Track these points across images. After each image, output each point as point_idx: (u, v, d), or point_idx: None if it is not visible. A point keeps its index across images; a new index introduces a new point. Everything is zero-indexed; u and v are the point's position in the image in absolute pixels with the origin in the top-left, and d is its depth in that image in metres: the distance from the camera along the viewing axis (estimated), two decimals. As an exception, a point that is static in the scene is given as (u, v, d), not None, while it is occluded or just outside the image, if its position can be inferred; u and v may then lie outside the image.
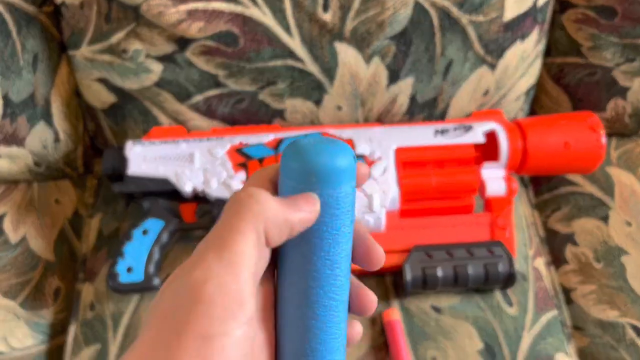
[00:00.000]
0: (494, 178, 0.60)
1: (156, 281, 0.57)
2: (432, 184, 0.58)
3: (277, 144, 0.59)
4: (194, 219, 0.61)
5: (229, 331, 0.23)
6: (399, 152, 0.59)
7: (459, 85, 0.64)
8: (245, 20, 0.57)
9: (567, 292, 0.63)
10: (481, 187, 0.60)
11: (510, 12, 0.59)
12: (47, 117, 0.64)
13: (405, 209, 0.59)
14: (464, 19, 0.59)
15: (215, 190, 0.58)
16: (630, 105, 0.67)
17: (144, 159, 0.59)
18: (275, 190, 0.28)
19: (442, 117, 0.66)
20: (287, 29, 0.58)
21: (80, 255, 0.64)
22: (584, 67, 0.67)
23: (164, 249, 0.59)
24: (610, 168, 0.67)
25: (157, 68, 0.60)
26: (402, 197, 0.58)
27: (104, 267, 0.61)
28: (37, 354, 0.58)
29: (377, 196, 0.57)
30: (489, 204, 0.60)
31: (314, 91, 0.62)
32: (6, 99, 0.60)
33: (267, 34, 0.58)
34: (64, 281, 0.62)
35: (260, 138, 0.60)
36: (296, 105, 0.63)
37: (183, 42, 0.58)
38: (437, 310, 0.59)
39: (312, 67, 0.60)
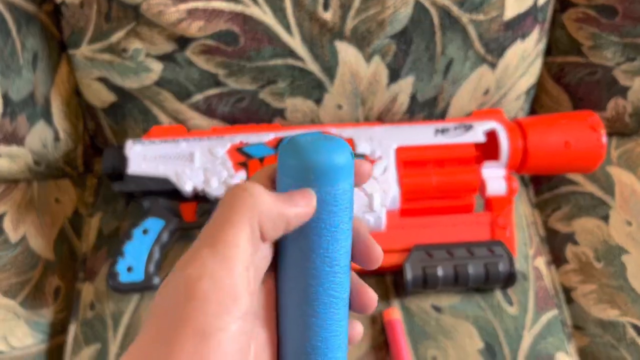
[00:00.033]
0: (495, 177, 0.60)
1: (156, 280, 0.57)
2: (433, 183, 0.58)
3: (278, 143, 0.59)
4: (194, 218, 0.61)
5: (224, 326, 0.23)
6: (400, 151, 0.59)
7: (459, 85, 0.64)
8: (245, 19, 0.57)
9: (567, 291, 0.62)
10: (481, 186, 0.60)
11: (511, 11, 0.59)
12: (47, 116, 0.64)
13: (406, 208, 0.59)
14: (465, 17, 0.59)
15: (215, 189, 0.58)
16: (631, 105, 0.67)
17: (144, 158, 0.59)
18: (274, 188, 0.28)
19: (442, 116, 0.66)
20: (287, 27, 0.58)
21: (80, 254, 0.64)
22: (585, 67, 0.66)
23: (164, 248, 0.59)
24: (610, 167, 0.67)
25: (157, 67, 0.60)
26: (403, 197, 0.58)
27: (104, 266, 0.61)
28: (37, 353, 0.58)
29: (378, 195, 0.57)
30: (490, 204, 0.60)
31: (315, 90, 0.62)
32: (6, 97, 0.60)
33: (267, 32, 0.58)
34: (64, 280, 0.62)
35: (260, 137, 0.60)
36: (296, 104, 0.63)
37: (183, 41, 0.58)
38: (437, 309, 0.59)
39: (312, 66, 0.60)
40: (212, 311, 0.23)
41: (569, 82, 0.68)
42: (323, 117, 0.65)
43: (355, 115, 0.65)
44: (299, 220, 0.26)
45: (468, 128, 0.60)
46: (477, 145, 0.60)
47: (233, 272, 0.24)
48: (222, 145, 0.59)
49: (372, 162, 0.58)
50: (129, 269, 0.57)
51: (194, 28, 0.57)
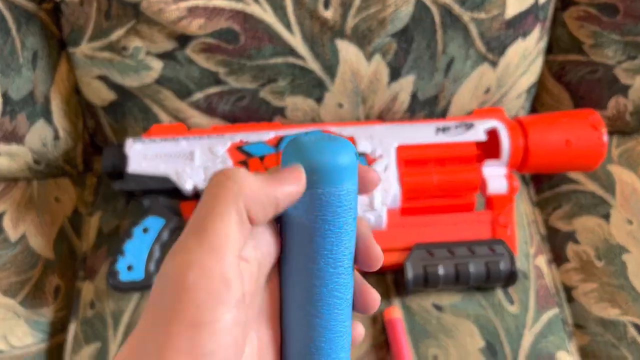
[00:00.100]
0: (496, 176, 0.60)
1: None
2: (434, 181, 0.58)
3: (278, 141, 0.59)
4: (194, 217, 0.61)
5: (218, 316, 0.23)
6: (400, 150, 0.59)
7: (460, 83, 0.63)
8: (246, 18, 0.57)
9: (568, 290, 0.62)
10: (482, 185, 0.60)
11: (512, 9, 0.59)
12: (47, 115, 0.63)
13: (407, 207, 0.59)
14: (466, 16, 0.59)
15: (215, 188, 0.58)
16: (632, 103, 0.67)
17: (144, 156, 0.59)
18: None
19: (443, 114, 0.66)
20: (288, 26, 0.57)
21: (80, 253, 0.64)
22: (586, 65, 0.66)
23: (165, 247, 0.59)
24: (611, 166, 0.67)
25: (157, 65, 0.60)
26: (404, 195, 0.58)
27: (104, 265, 0.61)
28: (37, 352, 0.58)
29: (379, 194, 0.57)
30: (491, 202, 0.60)
31: (315, 89, 0.62)
32: (6, 96, 0.59)
33: (268, 31, 0.57)
34: (63, 279, 0.62)
35: (260, 136, 0.60)
36: (297, 103, 0.63)
37: (183, 40, 0.58)
38: (438, 308, 0.59)
39: (313, 64, 0.60)
40: (203, 301, 0.23)
41: (570, 81, 0.68)
42: (324, 116, 0.64)
43: (355, 113, 0.65)
44: (289, 200, 0.26)
45: (469, 127, 0.60)
46: (478, 144, 0.60)
47: (222, 261, 0.23)
48: (223, 143, 0.59)
49: (373, 161, 0.58)
50: (129, 268, 0.56)
51: (194, 26, 0.57)
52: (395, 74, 0.62)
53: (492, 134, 0.61)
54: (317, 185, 0.26)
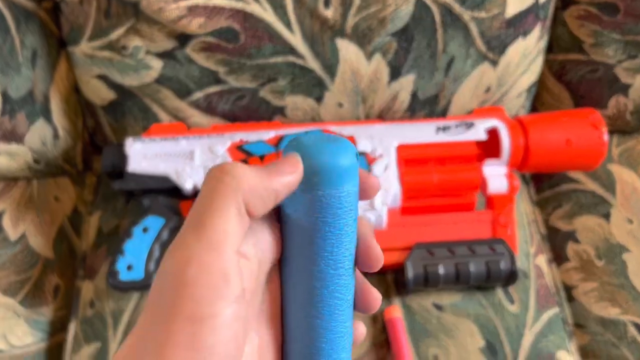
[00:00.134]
0: (496, 175, 0.60)
1: (156, 279, 0.57)
2: (434, 181, 0.58)
3: (278, 141, 0.59)
4: (194, 216, 0.60)
5: (218, 311, 0.23)
6: (401, 149, 0.59)
7: (460, 82, 0.63)
8: (246, 17, 0.57)
9: (568, 289, 0.62)
10: (483, 184, 0.60)
11: (512, 8, 0.59)
12: (46, 114, 0.63)
13: (407, 206, 0.59)
14: (466, 15, 0.59)
15: (215, 187, 0.57)
16: (632, 103, 0.67)
17: (144, 156, 0.59)
18: None
19: (443, 114, 0.66)
20: (288, 25, 0.57)
21: (80, 252, 0.64)
22: (586, 64, 0.66)
23: (165, 246, 0.58)
24: (611, 165, 0.67)
25: (157, 64, 0.60)
26: (404, 195, 0.58)
27: (103, 264, 0.61)
28: (36, 351, 0.58)
29: (379, 193, 0.57)
30: (491, 202, 0.60)
31: (315, 88, 0.62)
32: (5, 95, 0.59)
33: (268, 30, 0.57)
34: (63, 279, 0.62)
35: (260, 135, 0.59)
36: (297, 102, 0.63)
37: (183, 39, 0.58)
38: (438, 307, 0.58)
39: (313, 63, 0.60)
40: (203, 296, 0.23)
41: (570, 80, 0.68)
42: (324, 115, 0.64)
43: (356, 113, 0.65)
44: (288, 190, 0.26)
45: (469, 126, 0.60)
46: (479, 143, 0.60)
47: (222, 257, 0.23)
48: (222, 143, 0.59)
49: (373, 160, 0.58)
50: (129, 267, 0.56)
51: (194, 25, 0.57)
52: (395, 73, 0.62)
53: (493, 133, 0.61)
54: (317, 187, 0.26)
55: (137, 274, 0.56)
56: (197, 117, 0.64)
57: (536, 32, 0.62)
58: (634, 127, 0.70)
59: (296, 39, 0.58)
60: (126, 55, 0.59)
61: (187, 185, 0.58)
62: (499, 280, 0.57)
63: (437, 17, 0.58)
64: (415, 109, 0.65)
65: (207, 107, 0.63)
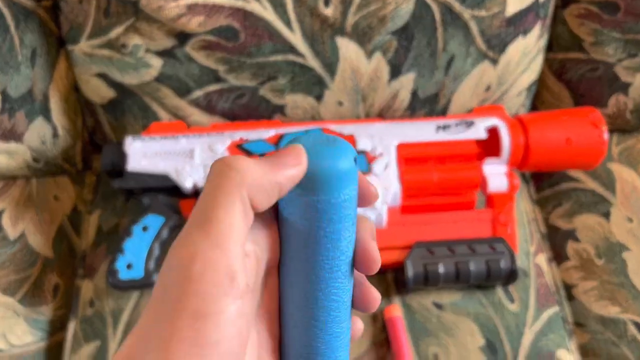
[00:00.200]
0: (496, 174, 0.60)
1: (156, 278, 0.57)
2: (434, 180, 0.58)
3: (278, 139, 0.59)
4: (194, 215, 0.60)
5: (222, 308, 0.22)
6: (401, 148, 0.59)
7: (460, 81, 0.63)
8: (245, 15, 0.56)
9: (568, 288, 0.62)
10: (483, 183, 0.60)
11: (513, 7, 0.59)
12: (46, 113, 0.63)
13: (407, 205, 0.59)
14: (466, 13, 0.59)
15: (215, 186, 0.57)
16: (632, 101, 0.67)
17: (143, 154, 0.59)
18: None
19: (443, 112, 0.66)
20: (288, 23, 0.57)
21: (80, 251, 0.64)
22: (586, 63, 0.66)
23: (164, 245, 0.58)
24: (611, 164, 0.67)
25: (156, 63, 0.60)
26: (404, 193, 0.58)
27: (103, 263, 0.61)
28: (36, 351, 0.58)
29: (379, 192, 0.57)
30: (491, 200, 0.60)
31: (315, 86, 0.62)
32: (4, 94, 0.59)
33: (267, 28, 0.57)
34: (63, 278, 0.62)
35: (260, 134, 0.59)
36: (297, 101, 0.63)
37: (183, 37, 0.58)
38: (438, 306, 0.58)
39: (313, 62, 0.60)
40: (208, 292, 0.22)
41: (570, 79, 0.68)
42: (323, 114, 0.64)
43: (356, 111, 0.64)
44: (292, 183, 0.25)
45: (469, 124, 0.60)
46: (479, 142, 0.60)
47: (227, 253, 0.23)
48: (222, 141, 0.59)
49: (373, 159, 0.58)
50: (129, 266, 0.56)
51: (194, 23, 0.56)
52: (395, 71, 0.61)
53: (493, 132, 0.61)
54: (312, 192, 0.25)
55: (137, 273, 0.56)
56: (197, 115, 0.64)
57: (536, 30, 0.62)
58: (633, 126, 0.70)
59: (296, 38, 0.58)
60: (126, 54, 0.59)
61: (187, 184, 0.58)
62: (499, 279, 0.57)
63: (437, 16, 0.58)
64: (415, 107, 0.65)
65: (207, 106, 0.63)
